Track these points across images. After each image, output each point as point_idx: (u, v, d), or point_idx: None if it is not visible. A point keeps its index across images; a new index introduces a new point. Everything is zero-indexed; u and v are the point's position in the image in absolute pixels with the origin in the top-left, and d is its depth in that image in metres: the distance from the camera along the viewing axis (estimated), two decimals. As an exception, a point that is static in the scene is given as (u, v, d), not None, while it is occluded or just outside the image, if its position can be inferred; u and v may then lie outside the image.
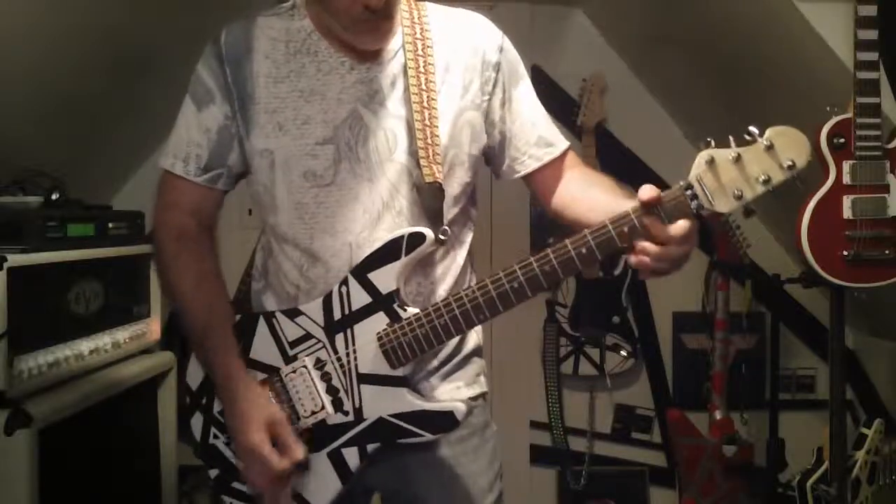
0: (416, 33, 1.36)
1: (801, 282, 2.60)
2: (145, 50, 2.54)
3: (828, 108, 2.16)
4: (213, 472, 1.42)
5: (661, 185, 1.22)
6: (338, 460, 1.34)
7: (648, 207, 1.19)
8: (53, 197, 2.14)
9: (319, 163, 1.33)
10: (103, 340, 2.12)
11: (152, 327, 2.37)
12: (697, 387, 3.10)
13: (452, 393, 1.42)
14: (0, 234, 1.86)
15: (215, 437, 1.40)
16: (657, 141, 3.23)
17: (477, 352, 1.49)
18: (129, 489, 2.24)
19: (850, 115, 2.14)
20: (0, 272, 1.71)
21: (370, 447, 1.33)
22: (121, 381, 2.14)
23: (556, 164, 1.46)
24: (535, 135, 1.45)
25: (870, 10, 2.07)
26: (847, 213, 2.17)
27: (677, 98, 3.24)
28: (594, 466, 3.22)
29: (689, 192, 1.20)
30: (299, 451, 1.29)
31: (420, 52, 1.35)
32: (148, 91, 2.77)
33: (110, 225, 2.21)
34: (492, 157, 1.47)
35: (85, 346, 2.04)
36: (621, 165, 3.20)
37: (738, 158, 1.18)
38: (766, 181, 1.17)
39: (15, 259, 1.76)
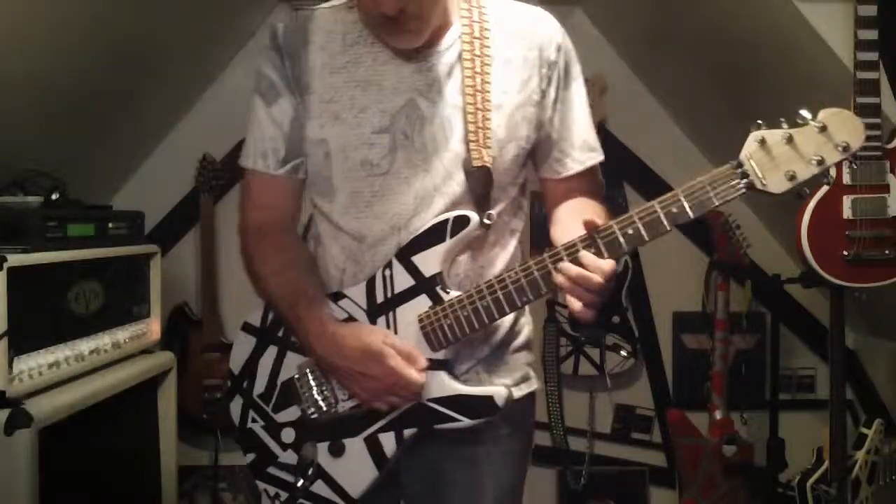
0: (473, 19, 1.36)
1: (801, 282, 2.60)
2: (145, 50, 2.54)
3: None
4: (250, 457, 1.41)
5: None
6: (374, 445, 1.33)
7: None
8: (53, 197, 2.14)
9: (376, 151, 1.34)
10: (103, 340, 2.12)
11: (152, 327, 2.37)
12: (697, 387, 3.09)
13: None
14: (0, 234, 1.86)
15: (254, 420, 1.40)
16: (657, 141, 3.23)
17: (527, 346, 1.48)
18: (129, 489, 2.24)
19: (849, 115, 2.14)
20: (0, 272, 1.71)
21: (406, 432, 1.32)
22: (121, 381, 2.14)
23: (578, 179, 1.46)
24: (581, 138, 1.44)
25: (870, 10, 2.07)
26: (847, 213, 2.17)
27: (677, 98, 3.24)
28: (594, 466, 3.22)
29: (739, 171, 1.18)
30: (421, 358, 1.29)
31: (477, 36, 1.35)
32: (148, 91, 2.77)
33: (110, 225, 2.21)
34: (535, 153, 1.45)
35: (85, 346, 2.04)
36: (621, 165, 3.20)
37: (790, 139, 1.15)
38: (820, 162, 1.15)
39: (15, 259, 1.76)
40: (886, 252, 2.17)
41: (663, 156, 3.20)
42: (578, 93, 1.44)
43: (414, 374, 1.27)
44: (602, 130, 3.15)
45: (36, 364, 1.84)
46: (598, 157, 1.47)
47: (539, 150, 1.44)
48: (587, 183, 1.47)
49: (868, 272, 2.19)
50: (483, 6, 1.38)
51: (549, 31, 1.41)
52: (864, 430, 2.52)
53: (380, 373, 1.27)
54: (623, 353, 3.14)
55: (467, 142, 1.32)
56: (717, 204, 1.18)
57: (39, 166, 2.23)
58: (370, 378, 1.29)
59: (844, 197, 2.17)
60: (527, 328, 1.48)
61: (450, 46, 1.35)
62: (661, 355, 3.31)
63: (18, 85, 2.10)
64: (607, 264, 1.20)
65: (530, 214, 1.55)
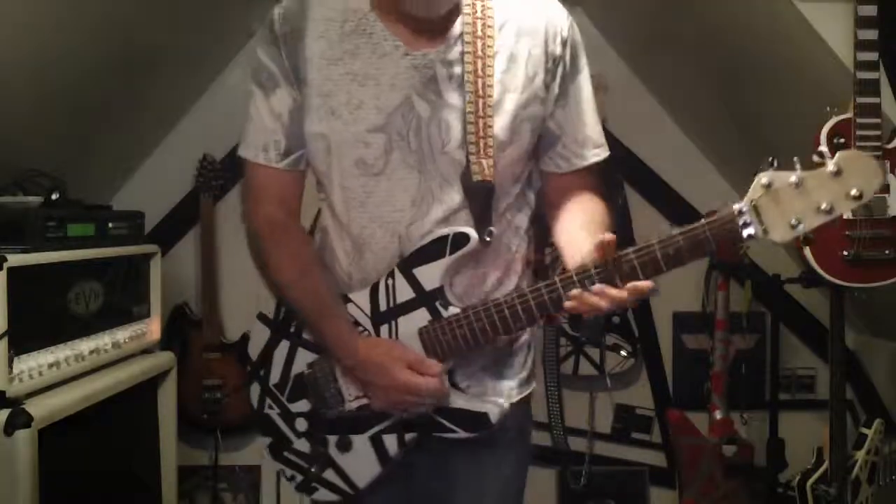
0: (476, 15, 1.32)
1: (801, 282, 2.60)
2: (146, 50, 2.54)
3: (828, 109, 2.16)
4: (267, 440, 1.47)
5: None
6: (378, 444, 1.39)
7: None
8: (53, 197, 2.14)
9: (371, 151, 1.32)
10: (103, 340, 2.12)
11: (152, 327, 2.37)
12: (697, 387, 3.09)
13: (508, 394, 1.43)
14: (0, 234, 1.86)
15: (270, 407, 1.45)
16: (657, 141, 3.23)
17: (528, 345, 1.49)
18: (129, 489, 2.24)
19: (850, 115, 2.14)
20: (0, 272, 1.71)
21: (408, 436, 1.38)
22: (121, 381, 2.14)
23: (580, 174, 1.43)
24: (584, 134, 1.41)
25: (870, 10, 2.06)
26: (847, 213, 2.17)
27: (677, 98, 3.24)
28: (594, 466, 3.22)
29: (742, 220, 1.14)
30: (434, 365, 1.32)
31: (479, 34, 1.31)
32: (148, 91, 2.77)
33: (110, 225, 2.21)
34: (537, 147, 1.42)
35: (85, 346, 2.04)
36: (621, 165, 3.19)
37: (800, 184, 1.10)
38: (829, 211, 1.10)
39: (15, 259, 1.76)
40: (886, 252, 2.16)
41: (663, 156, 3.20)
42: (584, 86, 1.41)
43: (428, 383, 1.30)
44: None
45: (36, 364, 1.84)
46: (602, 153, 1.43)
47: (542, 144, 1.41)
48: (590, 179, 1.44)
49: (868, 272, 2.18)
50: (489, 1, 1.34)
51: (555, 24, 1.36)
52: (864, 430, 2.52)
53: (392, 384, 1.31)
54: (623, 353, 3.14)
55: (466, 150, 1.30)
56: (715, 249, 1.16)
57: (39, 166, 2.23)
58: (383, 389, 1.33)
59: (844, 197, 2.17)
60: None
61: (453, 44, 1.31)
62: (661, 355, 3.31)
63: (19, 85, 2.10)
64: (618, 293, 1.19)
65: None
